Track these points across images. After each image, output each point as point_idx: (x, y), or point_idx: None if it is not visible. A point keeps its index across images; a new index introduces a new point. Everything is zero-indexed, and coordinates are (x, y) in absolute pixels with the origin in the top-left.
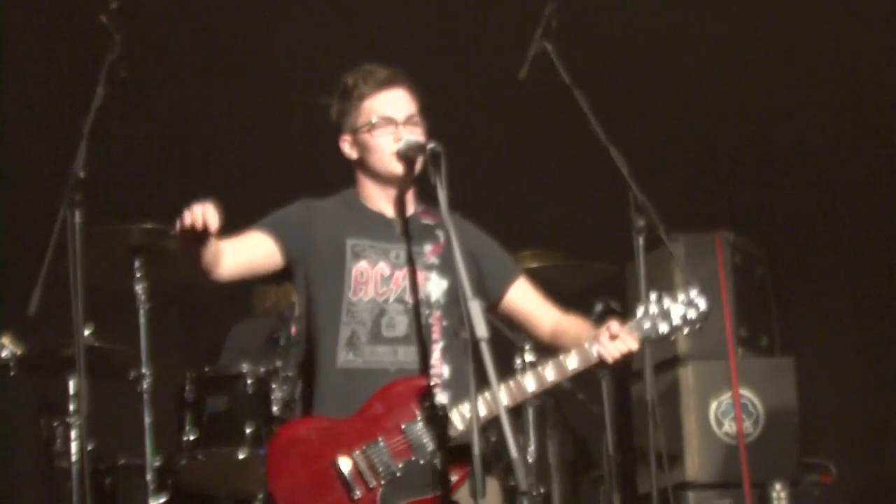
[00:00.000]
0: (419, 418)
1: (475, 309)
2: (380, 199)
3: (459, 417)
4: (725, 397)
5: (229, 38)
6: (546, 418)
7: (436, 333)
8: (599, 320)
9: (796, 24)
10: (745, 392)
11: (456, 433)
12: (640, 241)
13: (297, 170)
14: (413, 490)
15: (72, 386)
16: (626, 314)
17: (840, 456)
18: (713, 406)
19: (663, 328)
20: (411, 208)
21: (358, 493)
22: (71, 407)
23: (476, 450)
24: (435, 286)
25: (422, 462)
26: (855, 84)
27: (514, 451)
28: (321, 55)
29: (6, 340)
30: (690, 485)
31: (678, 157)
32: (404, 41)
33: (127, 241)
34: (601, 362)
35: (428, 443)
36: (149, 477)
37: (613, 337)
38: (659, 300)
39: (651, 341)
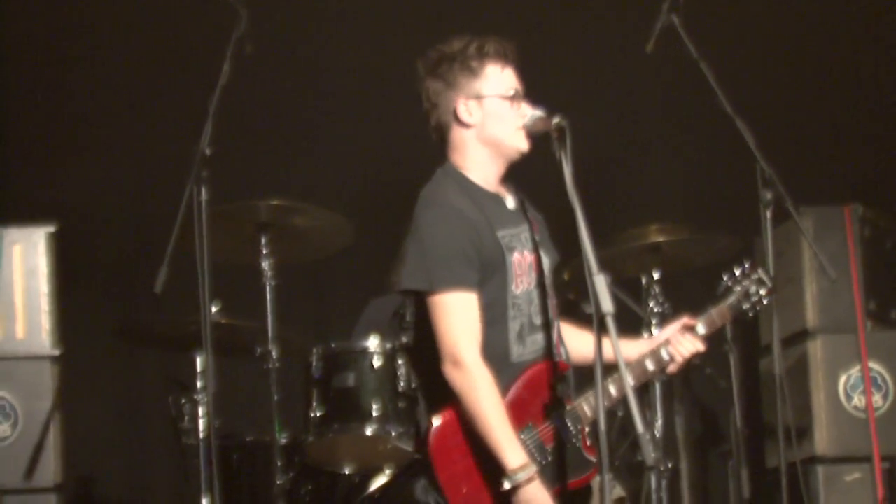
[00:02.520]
0: (558, 402)
1: (601, 283)
2: (489, 174)
3: (587, 404)
4: (854, 371)
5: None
6: (673, 393)
7: (554, 315)
8: (725, 295)
9: None
10: (875, 366)
11: (593, 414)
12: (768, 214)
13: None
14: (562, 474)
15: (199, 363)
16: (735, 279)
17: None
18: (842, 380)
19: (745, 306)
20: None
21: None
22: (198, 384)
23: (602, 426)
24: (545, 264)
25: (567, 446)
26: None
27: (640, 426)
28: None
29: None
30: (819, 459)
31: (807, 129)
32: (533, 10)
33: (254, 218)
34: (668, 366)
35: (571, 427)
36: (276, 454)
37: (689, 328)
38: (737, 280)
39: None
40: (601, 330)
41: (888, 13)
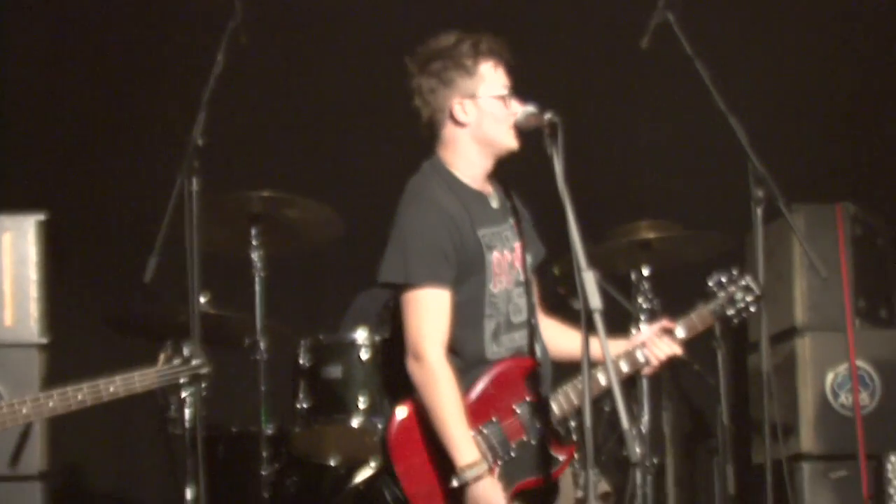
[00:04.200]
0: (528, 399)
1: (589, 280)
2: (475, 172)
3: (563, 398)
4: (842, 369)
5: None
6: (661, 389)
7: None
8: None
9: None
10: (863, 364)
11: (561, 413)
12: (759, 212)
13: (412, 130)
14: (527, 470)
15: (186, 352)
16: (721, 285)
17: None
18: (829, 377)
19: (730, 311)
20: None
21: None
22: None
23: (588, 421)
24: (528, 264)
25: (533, 442)
26: None
27: (625, 422)
28: (434, 21)
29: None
30: (805, 456)
31: (799, 127)
32: (526, 6)
33: (245, 209)
34: (643, 368)
35: (538, 423)
36: (262, 445)
37: (667, 331)
38: (722, 285)
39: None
40: (589, 326)
41: (881, 10)
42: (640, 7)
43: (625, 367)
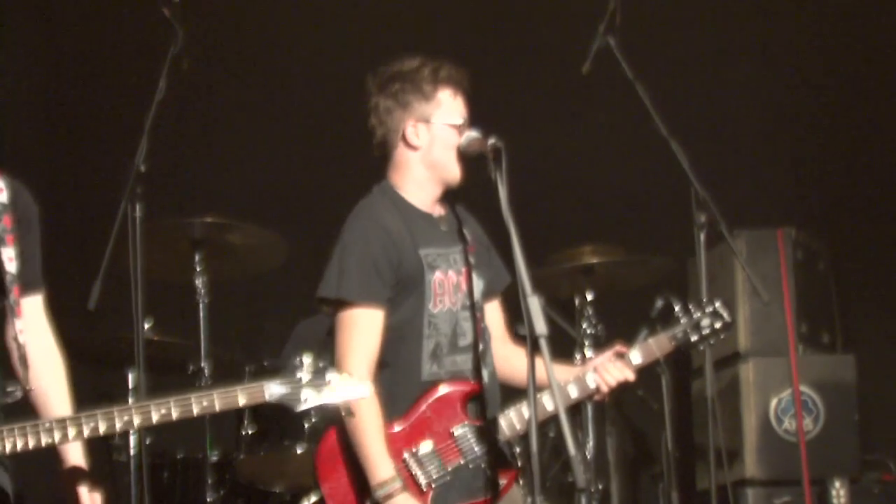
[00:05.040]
0: (467, 423)
1: (535, 305)
2: (425, 195)
3: (506, 423)
4: (786, 394)
5: (292, 25)
6: (605, 414)
7: (479, 336)
8: (660, 317)
9: (857, 22)
10: (806, 389)
11: (504, 437)
12: (702, 237)
13: (359, 156)
14: (463, 494)
15: (131, 379)
16: (686, 310)
17: None
18: (773, 403)
19: (694, 337)
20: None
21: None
22: (130, 400)
23: (534, 447)
24: (476, 288)
25: (471, 466)
26: None
27: (571, 447)
28: (378, 49)
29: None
30: (750, 482)
31: (740, 152)
32: (468, 32)
33: (188, 235)
34: (594, 394)
35: (476, 447)
36: (207, 471)
37: (620, 355)
38: (688, 311)
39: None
40: (535, 351)
41: (821, 31)
42: (581, 32)
43: (574, 393)
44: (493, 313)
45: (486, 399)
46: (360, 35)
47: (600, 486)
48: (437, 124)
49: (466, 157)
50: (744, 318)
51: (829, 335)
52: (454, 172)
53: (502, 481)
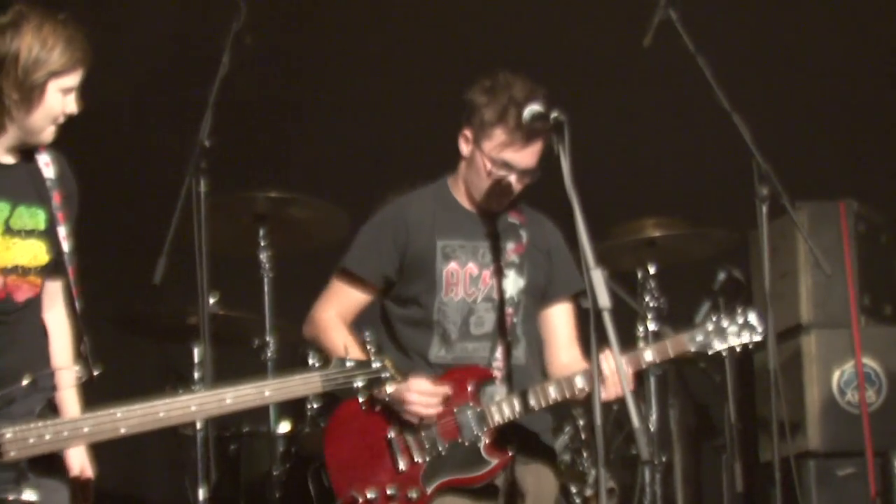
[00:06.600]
0: (470, 404)
1: (598, 278)
2: (470, 196)
3: (497, 410)
4: (848, 366)
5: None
6: (668, 387)
7: (506, 329)
8: (722, 289)
9: None
10: (868, 361)
11: (502, 420)
12: (764, 209)
13: (421, 140)
14: (454, 469)
15: (196, 353)
16: (748, 283)
17: None
18: (836, 375)
19: (717, 345)
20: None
21: (403, 466)
22: (196, 374)
23: (598, 420)
24: (511, 284)
25: (466, 444)
26: None
27: (636, 420)
28: (441, 25)
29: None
30: (812, 454)
31: (803, 125)
32: (531, 4)
33: (252, 210)
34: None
35: (474, 426)
36: (273, 444)
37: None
38: (717, 318)
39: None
40: (598, 324)
41: (886, 10)
42: (643, 5)
43: (579, 384)
44: (558, 318)
45: (495, 387)
46: (421, 8)
47: (663, 459)
48: (481, 147)
49: (531, 131)
50: (806, 291)
51: (891, 307)
52: (478, 197)
53: (494, 461)
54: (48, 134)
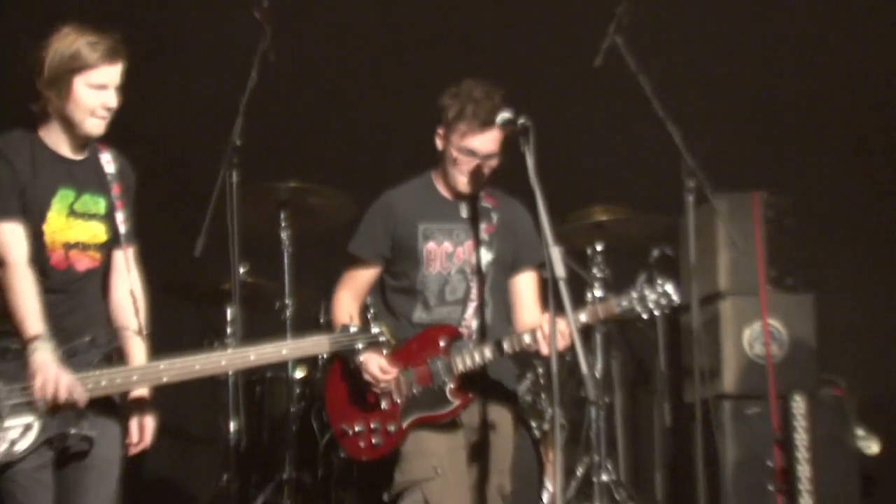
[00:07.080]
0: (440, 356)
1: (556, 253)
2: (449, 186)
3: (461, 361)
4: (756, 326)
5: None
6: (611, 341)
7: (473, 294)
8: (656, 263)
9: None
10: (773, 322)
11: (465, 368)
12: (690, 198)
13: (418, 138)
14: (424, 408)
15: (229, 314)
16: (677, 259)
17: (850, 373)
18: (746, 333)
19: (639, 309)
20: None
21: (384, 405)
22: (228, 330)
23: (554, 368)
24: (482, 258)
25: (436, 388)
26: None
27: (584, 367)
28: (439, 31)
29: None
30: (727, 396)
31: (724, 129)
32: (506, 32)
33: (275, 197)
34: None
35: (442, 374)
36: (291, 387)
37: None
38: (640, 288)
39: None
40: (555, 290)
41: (798, 10)
42: (596, 31)
43: (526, 339)
44: (523, 284)
45: (462, 343)
46: (421, 17)
47: (606, 400)
48: (450, 141)
49: (485, 121)
50: (723, 264)
51: (792, 278)
52: (453, 184)
53: (457, 402)
54: (91, 126)
